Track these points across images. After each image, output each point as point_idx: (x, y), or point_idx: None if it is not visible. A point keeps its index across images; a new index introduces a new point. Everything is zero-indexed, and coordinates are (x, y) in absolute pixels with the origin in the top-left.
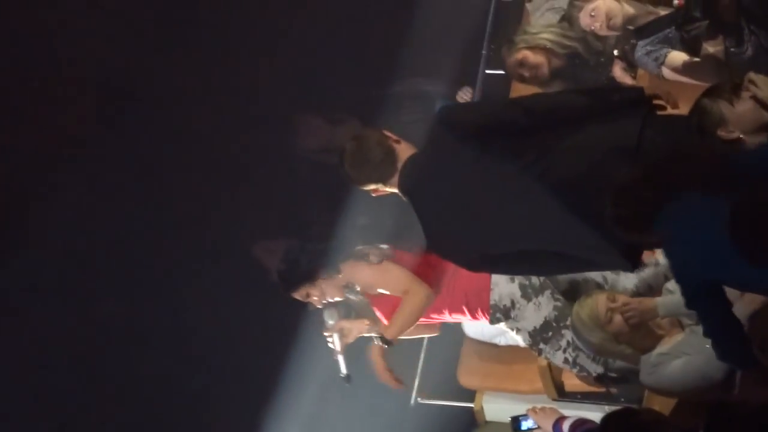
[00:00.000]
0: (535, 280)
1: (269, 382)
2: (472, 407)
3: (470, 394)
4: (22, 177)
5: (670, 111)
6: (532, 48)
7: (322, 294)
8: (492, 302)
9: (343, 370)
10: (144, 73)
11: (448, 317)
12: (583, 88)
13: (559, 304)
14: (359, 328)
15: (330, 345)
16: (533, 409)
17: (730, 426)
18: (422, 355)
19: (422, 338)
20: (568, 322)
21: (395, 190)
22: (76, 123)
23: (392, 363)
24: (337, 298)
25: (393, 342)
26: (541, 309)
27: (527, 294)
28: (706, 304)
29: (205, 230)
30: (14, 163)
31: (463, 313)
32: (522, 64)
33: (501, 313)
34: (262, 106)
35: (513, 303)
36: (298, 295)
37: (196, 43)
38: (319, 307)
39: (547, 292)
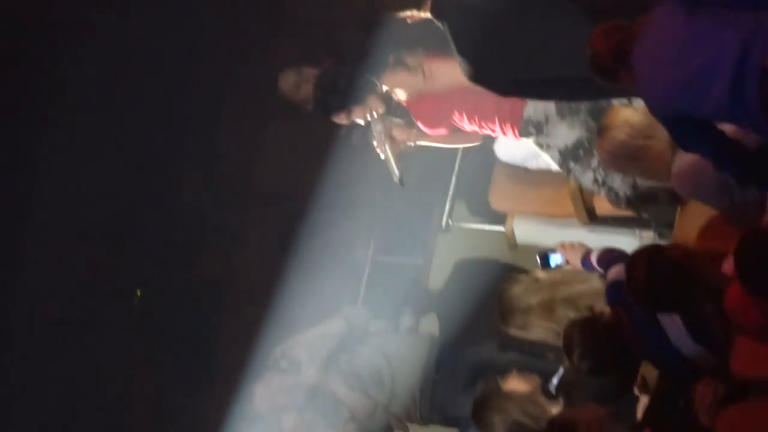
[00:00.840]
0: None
1: (302, 196)
2: (503, 230)
3: (502, 218)
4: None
5: None
6: None
7: (364, 111)
8: (526, 115)
9: (396, 173)
10: None
11: (477, 127)
12: None
13: (593, 125)
14: (408, 133)
15: (380, 154)
16: (562, 245)
17: (758, 250)
18: (453, 179)
19: (454, 161)
20: None
21: (426, 15)
22: None
23: (424, 186)
24: (381, 111)
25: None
26: (574, 128)
27: (562, 112)
28: (696, 139)
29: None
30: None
31: (493, 122)
32: None
33: (533, 127)
34: None
35: (547, 118)
36: (340, 119)
37: None
38: (363, 123)
39: (582, 115)
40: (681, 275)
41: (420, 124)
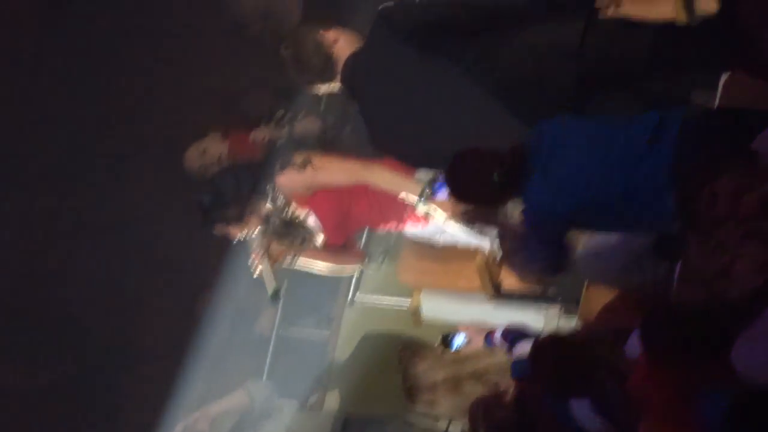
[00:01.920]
0: None
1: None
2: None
3: (409, 292)
4: None
5: (613, 12)
6: None
7: (241, 229)
8: (417, 178)
9: (270, 289)
10: None
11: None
12: None
13: None
14: (286, 251)
15: (258, 267)
16: (465, 326)
17: (666, 325)
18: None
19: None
20: None
21: (337, 87)
22: None
23: None
24: (259, 228)
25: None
26: None
27: None
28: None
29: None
30: None
31: (398, 218)
32: None
33: (428, 187)
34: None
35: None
36: (217, 230)
37: None
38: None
39: None
40: (585, 362)
41: (317, 220)
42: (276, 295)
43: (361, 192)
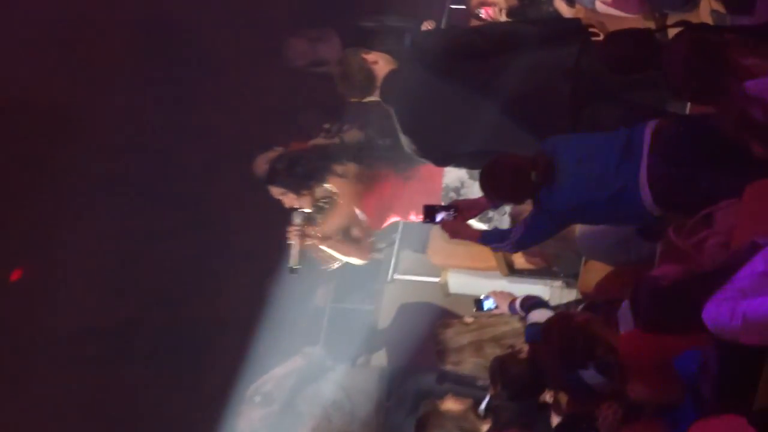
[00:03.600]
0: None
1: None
2: (438, 282)
3: (437, 271)
4: None
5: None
6: None
7: (294, 201)
8: (444, 185)
9: (291, 263)
10: None
11: (414, 218)
12: (531, 19)
13: None
14: (318, 236)
15: (289, 240)
16: (494, 292)
17: (650, 294)
18: (397, 240)
19: (397, 225)
20: None
21: (377, 99)
22: None
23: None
24: (306, 210)
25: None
26: None
27: (474, 176)
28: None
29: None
30: None
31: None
32: (483, 3)
33: (453, 192)
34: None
35: (462, 183)
36: (273, 192)
37: None
38: (286, 206)
39: None
40: (586, 339)
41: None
42: (293, 270)
43: (401, 191)
